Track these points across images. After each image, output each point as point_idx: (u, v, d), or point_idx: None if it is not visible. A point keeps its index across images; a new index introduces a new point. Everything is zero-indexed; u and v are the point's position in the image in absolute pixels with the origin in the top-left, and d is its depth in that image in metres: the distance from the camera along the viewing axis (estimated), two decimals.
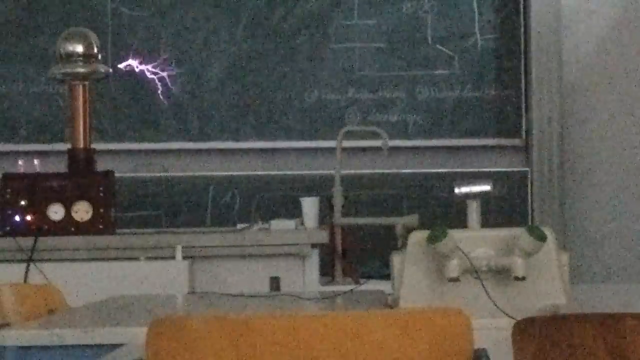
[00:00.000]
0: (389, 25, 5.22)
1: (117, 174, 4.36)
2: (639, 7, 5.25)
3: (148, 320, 1.71)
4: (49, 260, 4.01)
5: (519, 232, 2.36)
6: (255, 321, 1.66)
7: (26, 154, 4.90)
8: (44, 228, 4.10)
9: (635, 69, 5.23)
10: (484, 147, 5.23)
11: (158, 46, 5.20)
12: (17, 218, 4.10)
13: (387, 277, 2.61)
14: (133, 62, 5.18)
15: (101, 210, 4.13)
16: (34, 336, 2.26)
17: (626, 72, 5.24)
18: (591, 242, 5.22)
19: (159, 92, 5.19)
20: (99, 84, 4.61)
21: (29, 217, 4.11)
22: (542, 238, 2.34)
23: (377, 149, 4.55)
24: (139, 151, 5.20)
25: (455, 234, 2.37)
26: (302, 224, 4.37)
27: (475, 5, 5.22)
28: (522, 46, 5.20)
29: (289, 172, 5.18)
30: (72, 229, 4.11)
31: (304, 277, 4.13)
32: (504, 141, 5.23)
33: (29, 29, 5.17)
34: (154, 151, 5.21)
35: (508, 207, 5.10)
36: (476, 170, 5.13)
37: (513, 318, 2.02)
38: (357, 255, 4.61)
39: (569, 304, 2.40)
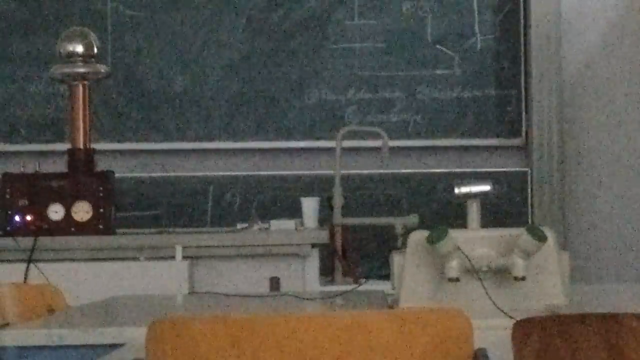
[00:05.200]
0: (389, 25, 5.22)
1: (117, 174, 4.36)
2: (638, 8, 5.25)
3: (148, 320, 1.71)
4: (49, 260, 4.01)
5: (519, 232, 2.36)
6: (255, 321, 1.65)
7: (26, 154, 4.90)
8: (44, 228, 4.10)
9: (635, 69, 5.23)
10: (484, 147, 5.23)
11: (158, 46, 5.20)
12: (17, 218, 4.11)
13: (387, 277, 2.61)
14: (133, 62, 5.18)
15: (101, 210, 4.13)
16: (34, 336, 2.26)
17: (626, 72, 5.24)
18: (591, 242, 5.21)
19: (159, 92, 5.18)
20: (99, 84, 4.61)
21: (29, 217, 4.11)
22: (542, 238, 2.34)
23: (377, 149, 4.55)
24: (139, 151, 5.20)
25: (455, 234, 2.37)
26: (302, 224, 4.37)
27: (475, 5, 5.21)
28: (522, 46, 5.20)
29: (289, 172, 5.17)
30: (72, 229, 4.11)
31: (304, 277, 4.14)
32: (504, 141, 5.23)
33: (29, 29, 5.16)
34: (154, 151, 5.20)
35: (508, 207, 5.10)
36: (476, 170, 5.13)
37: (513, 318, 2.02)
38: (357, 255, 4.62)
39: (569, 304, 2.40)
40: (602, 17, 5.24)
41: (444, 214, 5.03)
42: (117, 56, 5.15)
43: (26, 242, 4.01)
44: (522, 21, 5.20)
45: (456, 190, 2.49)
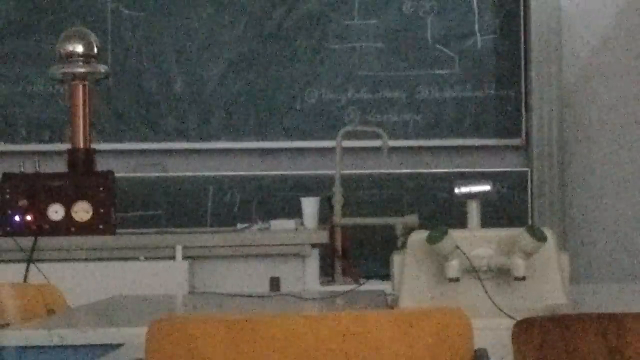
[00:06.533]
0: (389, 25, 5.22)
1: (117, 174, 4.36)
2: (639, 7, 5.25)
3: (148, 320, 1.71)
4: (49, 260, 4.00)
5: (519, 232, 2.36)
6: (255, 321, 1.65)
7: (26, 154, 4.90)
8: (44, 228, 4.10)
9: (635, 69, 5.23)
10: (484, 147, 5.23)
11: (158, 46, 5.20)
12: (17, 218, 4.10)
13: (387, 277, 2.61)
14: (133, 62, 5.18)
15: (101, 210, 4.13)
16: (34, 336, 2.26)
17: (626, 72, 5.24)
18: (591, 242, 5.21)
19: (159, 92, 5.18)
20: (99, 84, 4.61)
21: (29, 217, 4.10)
22: (542, 238, 2.34)
23: (377, 149, 4.55)
24: (139, 151, 5.20)
25: (455, 234, 2.37)
26: (302, 224, 4.37)
27: (475, 5, 5.22)
28: (522, 46, 5.20)
29: (289, 172, 5.17)
30: (72, 229, 4.11)
31: (304, 277, 4.13)
32: (504, 141, 5.23)
33: (29, 29, 5.16)
34: (154, 151, 5.20)
35: (508, 207, 5.10)
36: (476, 170, 5.13)
37: (513, 318, 2.02)
38: (357, 255, 4.61)
39: (569, 304, 2.40)
40: (602, 17, 5.24)
41: (444, 214, 5.03)
42: (117, 56, 5.15)
43: (26, 242, 4.01)
44: (522, 21, 5.20)
45: (456, 190, 2.49)
